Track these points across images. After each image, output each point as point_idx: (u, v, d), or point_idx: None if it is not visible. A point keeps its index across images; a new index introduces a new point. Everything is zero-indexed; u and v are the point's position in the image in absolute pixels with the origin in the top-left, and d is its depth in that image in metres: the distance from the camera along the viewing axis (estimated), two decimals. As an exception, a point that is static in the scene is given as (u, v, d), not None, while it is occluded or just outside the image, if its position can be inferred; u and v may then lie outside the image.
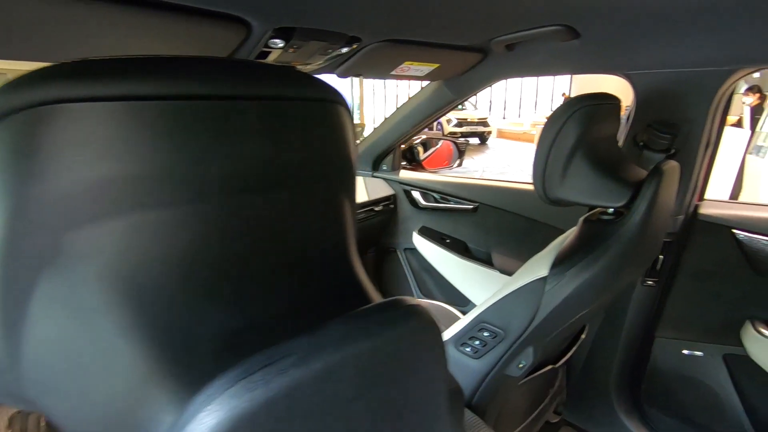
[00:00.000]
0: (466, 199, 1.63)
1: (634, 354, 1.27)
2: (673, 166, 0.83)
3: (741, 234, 1.06)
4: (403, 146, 1.89)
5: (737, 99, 5.56)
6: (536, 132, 11.37)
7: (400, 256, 1.96)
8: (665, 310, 1.21)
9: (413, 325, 0.27)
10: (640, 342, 1.26)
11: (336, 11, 0.75)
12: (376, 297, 0.34)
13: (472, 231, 1.65)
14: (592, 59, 1.06)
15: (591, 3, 0.75)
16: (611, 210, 0.83)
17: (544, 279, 0.79)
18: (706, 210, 1.11)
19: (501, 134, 12.45)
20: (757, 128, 4.55)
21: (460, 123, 10.69)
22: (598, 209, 0.86)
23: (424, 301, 1.48)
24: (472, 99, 12.87)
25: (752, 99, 4.94)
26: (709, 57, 0.92)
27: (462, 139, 10.64)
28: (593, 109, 0.78)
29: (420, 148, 2.07)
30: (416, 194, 1.80)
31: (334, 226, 0.33)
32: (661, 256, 1.15)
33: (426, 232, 1.78)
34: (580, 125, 0.76)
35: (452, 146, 2.12)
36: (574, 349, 1.07)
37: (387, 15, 0.81)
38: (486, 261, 1.60)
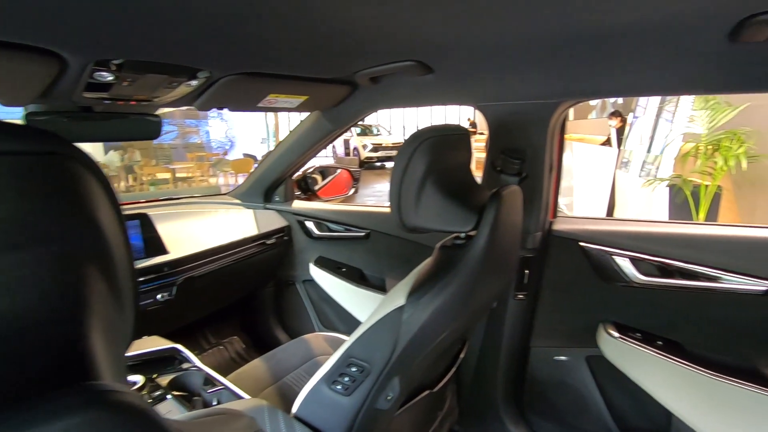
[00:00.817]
0: (358, 227, 1.64)
1: (515, 365, 1.34)
2: (513, 190, 0.90)
3: (587, 246, 1.18)
4: (297, 176, 1.87)
5: (604, 122, 6.43)
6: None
7: (299, 288, 1.90)
8: (536, 321, 1.30)
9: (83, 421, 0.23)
10: (519, 353, 1.33)
11: (167, 44, 0.71)
12: (108, 377, 0.29)
13: (366, 258, 1.66)
14: (447, 92, 1.13)
15: (437, 40, 0.80)
16: (463, 235, 0.87)
17: (401, 308, 0.79)
18: (558, 226, 1.23)
19: (415, 157, 12.95)
20: (622, 146, 5.27)
21: (376, 148, 10.97)
22: (453, 235, 0.90)
23: (324, 335, 1.43)
24: (385, 124, 13.30)
25: (616, 122, 5.73)
26: (540, 91, 1.03)
27: (378, 163, 10.91)
28: (439, 139, 0.82)
29: (318, 177, 2.06)
30: (310, 224, 1.77)
31: (63, 296, 0.28)
32: (527, 271, 1.24)
33: (322, 263, 1.75)
34: (427, 155, 0.79)
35: (348, 174, 2.14)
36: (453, 370, 1.09)
37: (231, 49, 0.79)
38: (381, 287, 1.61)
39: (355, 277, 1.66)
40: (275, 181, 1.75)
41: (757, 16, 0.63)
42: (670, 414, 1.12)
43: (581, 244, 1.19)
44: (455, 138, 0.87)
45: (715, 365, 1.06)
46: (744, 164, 3.04)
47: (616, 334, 1.16)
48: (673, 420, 1.12)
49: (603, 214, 4.98)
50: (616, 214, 4.87)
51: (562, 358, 1.28)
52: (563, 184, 5.76)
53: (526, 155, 1.13)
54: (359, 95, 1.25)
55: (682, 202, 3.54)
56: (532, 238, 1.21)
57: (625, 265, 1.14)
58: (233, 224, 1.66)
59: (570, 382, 1.27)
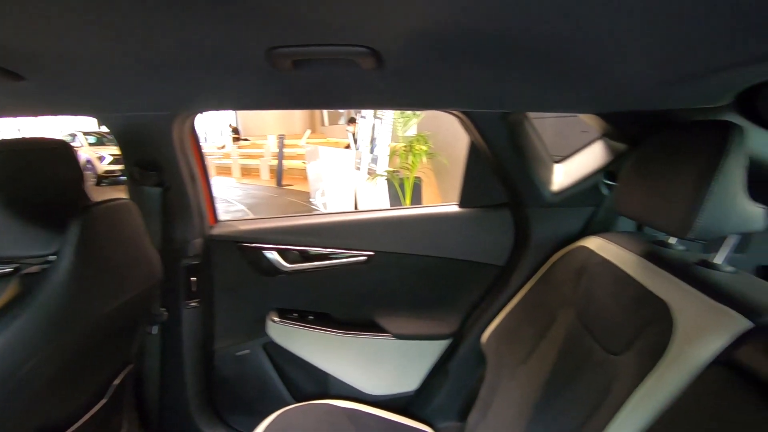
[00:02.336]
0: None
1: (202, 370, 1.35)
2: (120, 204, 0.88)
3: (244, 246, 1.29)
4: None
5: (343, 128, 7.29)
6: (208, 163, 11.33)
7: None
8: (216, 323, 1.34)
9: None
10: (204, 358, 1.35)
11: None
12: None
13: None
14: (49, 101, 1.03)
15: (26, 48, 0.69)
16: (52, 258, 0.80)
17: None
18: (218, 230, 1.30)
19: (174, 168, 11.70)
20: (358, 150, 6.07)
21: (117, 160, 9.33)
22: (41, 259, 0.82)
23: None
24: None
25: (353, 128, 6.56)
26: (153, 102, 1.05)
27: (122, 177, 9.33)
28: (7, 156, 0.73)
29: None
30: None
31: None
32: (193, 279, 1.26)
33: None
34: None
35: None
36: (104, 401, 1.01)
37: None
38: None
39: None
40: None
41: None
42: (326, 373, 1.34)
43: (239, 244, 1.29)
44: (38, 153, 0.79)
45: (352, 324, 1.34)
46: (425, 160, 3.97)
47: (277, 319, 1.31)
48: (329, 379, 1.35)
49: (351, 209, 5.65)
50: (360, 207, 5.60)
51: (245, 352, 1.37)
52: (320, 185, 6.28)
53: (161, 166, 1.14)
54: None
55: (395, 192, 4.36)
56: (193, 246, 1.24)
57: (273, 257, 1.29)
58: None
59: (253, 372, 1.37)
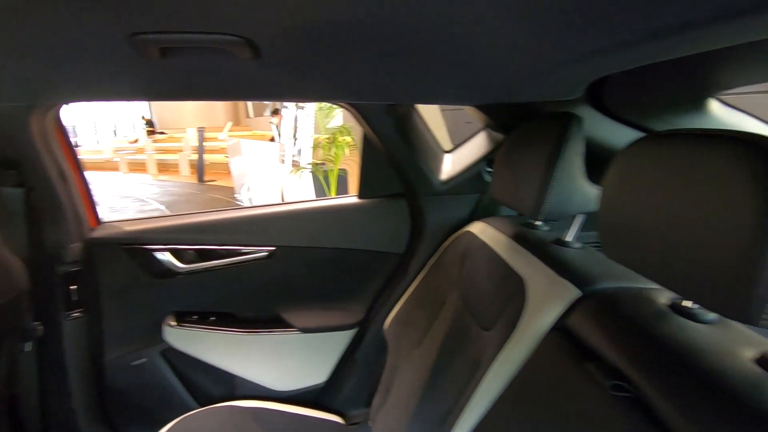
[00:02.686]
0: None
1: (91, 386, 1.25)
2: None
3: (131, 248, 1.20)
4: None
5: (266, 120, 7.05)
6: (120, 159, 10.38)
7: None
8: (105, 333, 1.24)
9: None
10: (93, 372, 1.24)
11: None
12: None
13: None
14: None
15: None
16: None
17: None
18: (100, 233, 1.19)
19: (78, 165, 10.56)
20: (282, 142, 5.90)
21: None
22: None
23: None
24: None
25: (277, 119, 6.35)
26: (7, 93, 0.93)
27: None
28: None
29: None
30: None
31: None
32: (73, 287, 1.15)
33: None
34: None
35: None
36: None
37: None
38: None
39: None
40: None
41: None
42: (232, 375, 1.30)
43: (125, 246, 1.20)
44: None
45: (257, 322, 1.31)
46: (347, 152, 3.97)
47: (175, 323, 1.24)
48: (236, 380, 1.31)
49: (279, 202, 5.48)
50: (287, 201, 5.47)
51: (141, 360, 1.28)
52: (245, 180, 6.01)
53: (21, 164, 1.02)
54: None
55: (321, 185, 4.31)
56: (70, 251, 1.13)
57: (166, 258, 1.22)
58: None
59: (153, 381, 1.29)
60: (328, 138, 4.08)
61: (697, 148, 0.41)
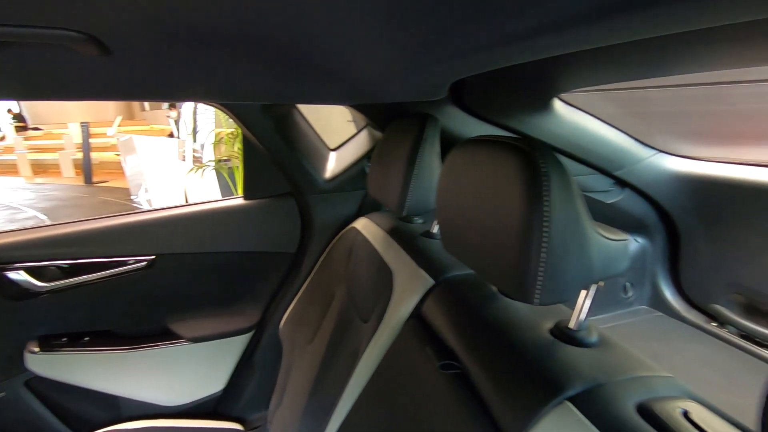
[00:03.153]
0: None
1: None
2: None
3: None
4: None
5: (164, 113, 6.51)
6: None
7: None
8: None
9: None
10: None
11: None
12: None
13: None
14: None
15: None
16: None
17: None
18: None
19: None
20: (181, 138, 5.48)
21: None
22: None
23: None
24: None
25: (175, 114, 5.88)
26: None
27: None
28: None
29: None
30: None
31: None
32: None
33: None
34: None
35: None
36: None
37: None
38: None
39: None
40: None
41: None
42: (116, 396, 1.20)
43: None
44: None
45: (142, 337, 1.22)
46: (252, 147, 3.81)
47: (37, 349, 1.11)
48: (120, 401, 1.21)
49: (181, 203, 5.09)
50: (190, 201, 5.10)
51: (0, 395, 1.13)
52: (142, 180, 5.47)
53: None
54: None
55: (226, 182, 4.09)
56: None
57: (21, 277, 1.08)
58: None
59: (17, 416, 1.15)
60: (231, 132, 3.88)
61: (489, 152, 0.47)
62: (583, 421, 0.38)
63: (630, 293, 1.32)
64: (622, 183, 1.15)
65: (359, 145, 1.19)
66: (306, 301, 1.15)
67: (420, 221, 1.00)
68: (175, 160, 5.17)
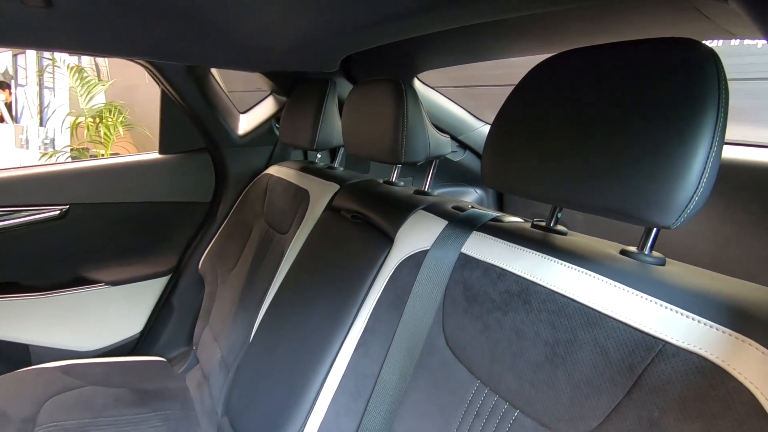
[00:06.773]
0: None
1: None
2: None
3: None
4: None
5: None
6: None
7: None
8: None
9: None
10: None
11: None
12: None
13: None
14: None
15: None
16: None
17: None
18: None
19: None
20: (20, 122, 4.72)
21: None
22: None
23: None
24: None
25: (4, 96, 5.00)
26: None
27: None
28: None
29: None
30: None
31: None
32: None
33: None
34: None
35: None
36: None
37: None
38: None
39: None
40: None
41: None
42: (25, 344, 1.22)
43: None
44: None
45: (54, 286, 1.25)
46: (122, 132, 3.58)
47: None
48: (31, 349, 1.23)
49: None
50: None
51: None
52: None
53: None
54: None
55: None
56: None
57: None
58: None
59: None
60: (93, 118, 3.57)
61: (375, 88, 0.81)
62: (434, 218, 0.74)
63: None
64: (464, 146, 1.62)
65: (267, 107, 1.44)
66: (225, 238, 1.34)
67: (321, 163, 1.30)
68: (11, 148, 4.44)
